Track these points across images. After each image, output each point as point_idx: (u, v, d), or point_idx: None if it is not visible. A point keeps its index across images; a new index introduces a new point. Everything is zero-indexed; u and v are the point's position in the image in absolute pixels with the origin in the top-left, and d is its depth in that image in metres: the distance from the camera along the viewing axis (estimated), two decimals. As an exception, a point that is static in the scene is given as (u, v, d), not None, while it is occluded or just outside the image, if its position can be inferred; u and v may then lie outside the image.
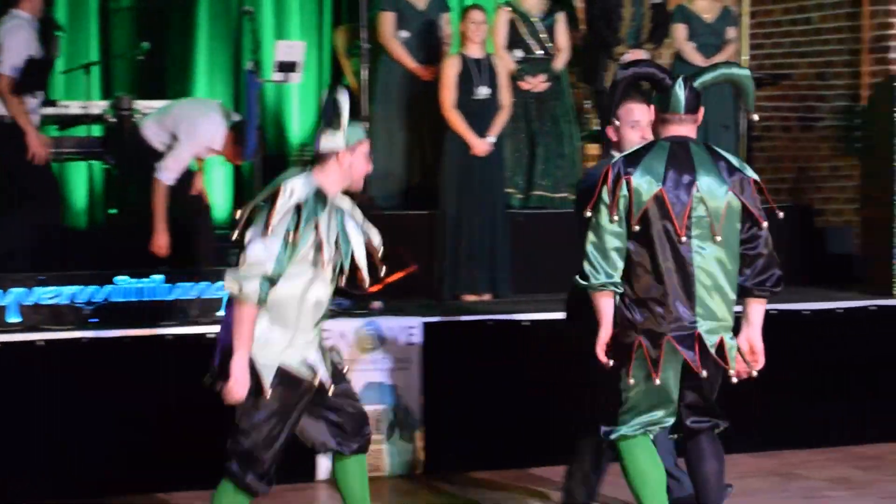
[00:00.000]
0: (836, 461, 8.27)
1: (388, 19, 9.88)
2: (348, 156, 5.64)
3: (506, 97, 9.45)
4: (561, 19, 10.15)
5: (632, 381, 5.69)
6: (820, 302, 8.94)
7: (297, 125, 11.37)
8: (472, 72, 9.33)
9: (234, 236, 5.64)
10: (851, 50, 11.22)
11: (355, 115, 5.72)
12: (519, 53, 9.97)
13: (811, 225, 10.75)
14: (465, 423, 8.14)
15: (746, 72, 6.06)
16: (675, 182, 5.62)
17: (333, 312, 8.12)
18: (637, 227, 5.62)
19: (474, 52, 9.41)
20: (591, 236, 5.69)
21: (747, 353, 5.79)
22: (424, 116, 9.84)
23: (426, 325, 8.07)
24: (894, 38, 10.85)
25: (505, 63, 9.68)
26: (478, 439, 8.15)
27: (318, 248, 5.55)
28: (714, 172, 5.66)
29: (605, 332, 5.72)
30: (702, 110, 5.82)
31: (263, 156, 10.21)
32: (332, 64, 11.38)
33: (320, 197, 5.57)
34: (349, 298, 8.49)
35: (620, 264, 5.66)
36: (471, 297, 9.27)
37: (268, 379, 5.51)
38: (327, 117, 5.58)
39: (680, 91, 5.73)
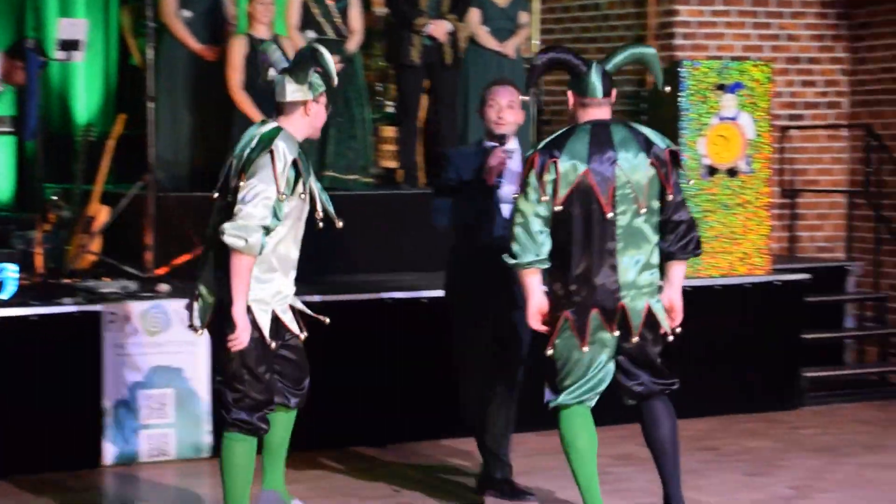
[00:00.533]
0: (624, 438, 8.40)
1: (170, -2, 9.73)
2: (314, 105, 6.01)
3: None
4: (354, 2, 10.11)
5: (561, 352, 6.07)
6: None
7: (83, 105, 11.10)
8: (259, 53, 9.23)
9: (214, 195, 5.96)
10: (638, 36, 11.41)
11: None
12: (311, 34, 9.91)
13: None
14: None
15: (652, 50, 6.43)
16: (599, 161, 5.97)
17: (119, 295, 8.03)
18: (560, 207, 5.97)
19: (262, 32, 9.32)
20: (517, 218, 6.05)
21: (668, 311, 6.15)
22: (210, 97, 9.71)
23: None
24: (678, 25, 11.06)
25: (294, 44, 9.60)
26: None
27: (310, 199, 5.96)
28: (634, 148, 6.01)
29: (535, 303, 6.09)
30: (614, 92, 6.20)
31: (47, 135, 10.02)
32: (119, 43, 11.16)
33: (301, 149, 5.91)
34: (136, 281, 8.37)
35: (548, 244, 6.02)
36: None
37: (266, 328, 5.85)
38: (298, 68, 5.94)
39: (596, 77, 6.12)
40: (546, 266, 6.06)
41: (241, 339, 5.77)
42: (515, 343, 6.89)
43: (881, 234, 10.52)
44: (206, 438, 7.94)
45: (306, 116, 6.03)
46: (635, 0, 11.42)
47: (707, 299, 9.08)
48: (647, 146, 6.04)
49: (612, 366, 6.14)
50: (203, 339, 7.79)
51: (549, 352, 6.10)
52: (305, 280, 9.17)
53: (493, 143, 6.81)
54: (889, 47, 11.25)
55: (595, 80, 6.12)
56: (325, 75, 5.98)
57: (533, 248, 6.01)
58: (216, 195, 5.97)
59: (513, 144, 6.84)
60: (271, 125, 5.96)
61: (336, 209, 9.60)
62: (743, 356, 9.26)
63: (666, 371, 6.20)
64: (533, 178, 6.00)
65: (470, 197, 6.78)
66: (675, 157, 6.10)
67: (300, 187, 5.89)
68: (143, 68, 9.63)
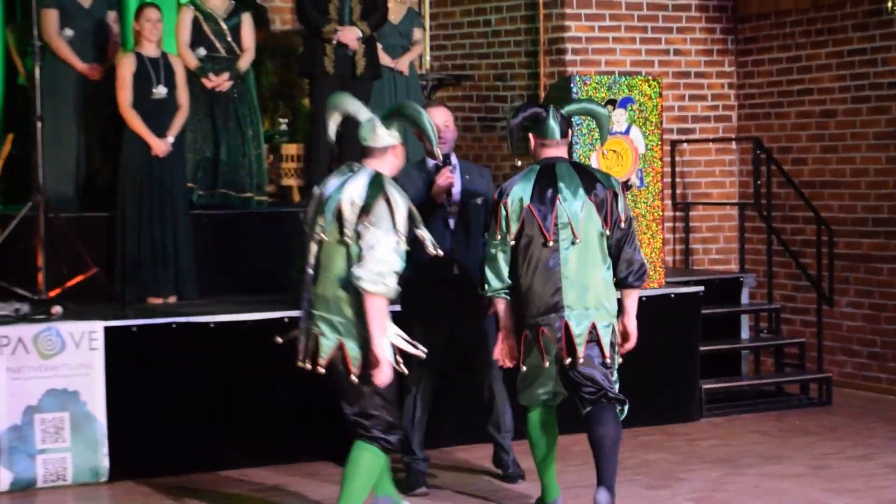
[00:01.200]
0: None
1: (51, 16, 9.55)
2: (400, 148, 6.46)
3: (183, 97, 9.28)
4: (246, 20, 10.03)
5: (528, 365, 6.77)
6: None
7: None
8: (149, 71, 9.13)
9: (322, 237, 6.25)
10: (529, 52, 11.48)
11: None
12: (202, 52, 9.82)
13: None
14: (151, 429, 7.97)
15: (606, 111, 7.08)
16: (541, 197, 6.61)
17: (11, 318, 7.89)
18: (513, 241, 6.65)
19: (150, 50, 9.19)
20: (485, 252, 6.79)
21: (623, 334, 6.79)
22: (96, 116, 9.60)
23: (108, 329, 7.86)
24: (569, 41, 11.15)
25: (184, 62, 9.51)
26: (164, 445, 7.99)
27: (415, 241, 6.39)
28: (574, 185, 6.62)
29: (502, 334, 6.81)
30: (570, 133, 6.88)
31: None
32: (5, 62, 10.95)
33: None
34: (28, 303, 8.23)
35: (506, 273, 6.69)
36: (156, 300, 9.06)
37: (393, 359, 6.26)
38: (391, 117, 6.42)
39: (553, 121, 6.73)
40: (508, 296, 6.72)
41: (387, 373, 6.19)
42: (481, 347, 7.54)
43: (773, 245, 10.65)
44: (104, 462, 7.81)
45: (395, 159, 6.44)
46: (526, 16, 11.49)
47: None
48: (589, 184, 6.64)
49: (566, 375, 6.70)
50: (98, 362, 7.76)
51: (523, 368, 6.79)
52: (208, 297, 9.26)
53: (437, 163, 7.37)
54: (775, 61, 11.43)
55: (553, 123, 6.74)
56: (425, 139, 6.56)
57: (496, 278, 6.72)
58: (323, 237, 6.25)
59: (453, 159, 7.51)
60: (367, 170, 6.32)
61: (228, 228, 9.66)
62: (640, 369, 9.27)
63: (611, 383, 6.71)
64: (491, 217, 6.77)
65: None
66: (615, 197, 6.66)
67: (416, 233, 6.36)
68: (30, 87, 9.46)
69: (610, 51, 11.26)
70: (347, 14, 9.98)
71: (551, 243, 6.59)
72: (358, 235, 6.14)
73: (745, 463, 8.30)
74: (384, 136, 6.38)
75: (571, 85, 9.26)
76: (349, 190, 6.20)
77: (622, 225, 6.70)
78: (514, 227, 6.62)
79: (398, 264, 6.13)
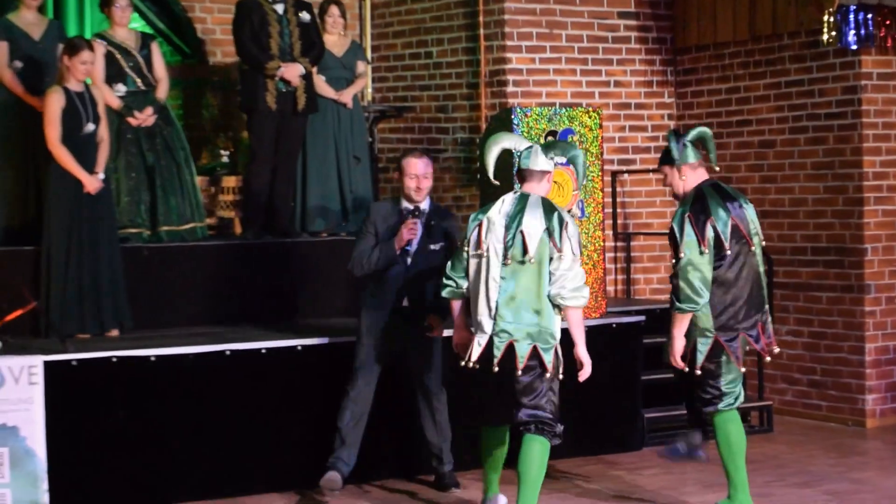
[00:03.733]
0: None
1: (0, 49, 9.50)
2: (550, 175, 7.33)
3: (104, 130, 9.06)
4: (155, 49, 9.95)
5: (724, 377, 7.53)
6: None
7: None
8: (77, 106, 8.92)
9: (509, 260, 7.12)
10: (470, 83, 11.53)
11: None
12: (122, 88, 9.73)
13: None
14: (92, 463, 7.92)
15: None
16: (727, 211, 7.39)
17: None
18: (728, 252, 7.36)
19: (76, 86, 9.02)
20: (685, 268, 7.32)
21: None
22: (29, 149, 9.41)
23: (47, 363, 7.80)
24: (510, 73, 11.20)
25: (103, 95, 9.34)
26: (104, 480, 7.94)
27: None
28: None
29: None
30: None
31: None
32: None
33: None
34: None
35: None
36: (84, 336, 8.87)
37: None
38: (548, 148, 7.30)
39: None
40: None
41: (588, 373, 7.24)
42: (428, 373, 8.17)
43: (713, 275, 10.70)
44: (44, 498, 7.73)
45: (548, 184, 7.31)
46: (467, 48, 11.54)
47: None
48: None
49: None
50: (38, 397, 7.69)
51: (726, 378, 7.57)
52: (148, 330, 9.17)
53: (410, 208, 8.05)
54: (714, 92, 11.53)
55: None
56: (576, 180, 7.57)
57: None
58: (500, 258, 7.11)
59: (424, 206, 8.10)
60: (538, 197, 7.21)
61: (170, 260, 9.60)
62: (582, 399, 9.31)
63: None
64: (693, 239, 7.34)
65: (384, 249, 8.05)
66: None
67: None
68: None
69: (551, 82, 11.32)
70: (288, 51, 10.00)
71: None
72: (550, 259, 7.07)
73: (687, 491, 8.34)
74: (543, 162, 7.24)
75: (512, 116, 9.30)
76: (530, 216, 7.10)
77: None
78: (727, 243, 7.33)
79: (584, 277, 7.16)
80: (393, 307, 8.09)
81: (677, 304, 7.36)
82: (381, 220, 8.12)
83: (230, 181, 10.80)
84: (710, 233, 7.33)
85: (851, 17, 10.17)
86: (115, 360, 8.06)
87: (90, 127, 8.97)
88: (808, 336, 10.76)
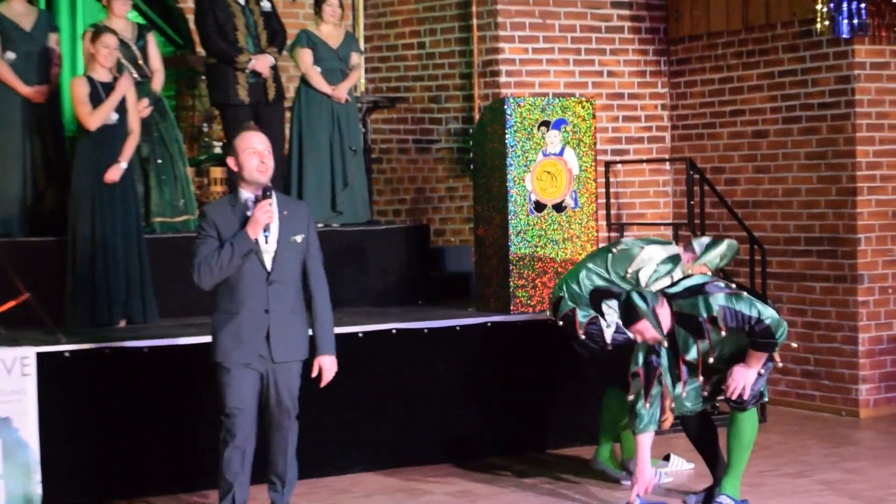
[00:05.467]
0: (456, 475, 8.42)
1: (-10, 41, 9.49)
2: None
3: (134, 121, 9.08)
4: (151, 40, 9.93)
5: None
6: (438, 320, 9.09)
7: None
8: (101, 96, 8.93)
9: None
10: (463, 74, 11.52)
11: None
12: (117, 78, 9.74)
13: (428, 244, 10.90)
14: (85, 454, 7.91)
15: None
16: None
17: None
18: None
19: (102, 75, 9.01)
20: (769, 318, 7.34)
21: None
22: (41, 140, 9.49)
23: (40, 355, 7.79)
24: (503, 63, 11.20)
25: (126, 87, 9.35)
26: (97, 471, 7.94)
27: None
28: None
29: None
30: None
31: None
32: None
33: None
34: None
35: None
36: (118, 325, 8.94)
37: None
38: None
39: None
40: None
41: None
42: (287, 389, 6.94)
43: (706, 265, 10.71)
44: (37, 489, 7.72)
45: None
46: (460, 38, 11.53)
47: (540, 331, 9.16)
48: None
49: None
50: (31, 388, 7.68)
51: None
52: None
53: (254, 196, 6.80)
54: (707, 82, 11.53)
55: None
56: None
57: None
58: None
59: (272, 192, 6.82)
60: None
61: (166, 253, 9.58)
62: (574, 390, 9.33)
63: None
64: None
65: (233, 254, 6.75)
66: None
67: None
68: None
69: (544, 72, 11.31)
70: (256, 42, 9.97)
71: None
72: None
73: (680, 482, 8.34)
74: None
75: (505, 107, 9.29)
76: None
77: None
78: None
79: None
80: (255, 328, 6.81)
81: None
82: (222, 219, 6.79)
83: (218, 172, 10.76)
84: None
85: (844, 6, 10.16)
86: (107, 351, 8.05)
87: (113, 117, 8.96)
88: (802, 326, 10.76)
